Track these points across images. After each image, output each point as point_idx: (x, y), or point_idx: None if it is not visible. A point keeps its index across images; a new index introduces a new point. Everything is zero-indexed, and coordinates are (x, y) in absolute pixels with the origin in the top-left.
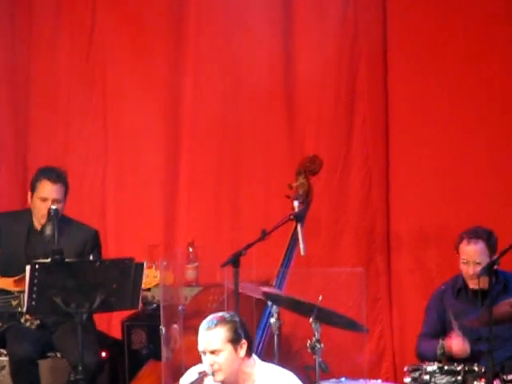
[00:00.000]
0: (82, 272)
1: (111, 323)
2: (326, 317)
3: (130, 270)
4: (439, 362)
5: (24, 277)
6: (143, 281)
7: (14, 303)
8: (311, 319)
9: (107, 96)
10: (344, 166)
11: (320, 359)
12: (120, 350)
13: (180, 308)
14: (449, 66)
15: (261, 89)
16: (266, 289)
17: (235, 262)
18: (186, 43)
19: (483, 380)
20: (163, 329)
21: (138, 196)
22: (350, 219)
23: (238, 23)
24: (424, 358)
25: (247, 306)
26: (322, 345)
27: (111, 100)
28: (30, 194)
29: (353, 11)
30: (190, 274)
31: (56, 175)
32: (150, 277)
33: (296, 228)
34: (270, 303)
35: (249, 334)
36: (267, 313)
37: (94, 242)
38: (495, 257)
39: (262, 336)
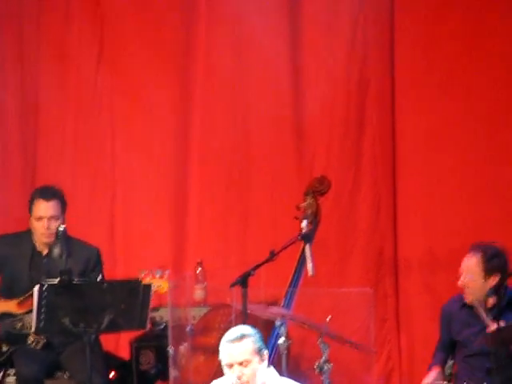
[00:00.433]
0: (90, 293)
1: (119, 344)
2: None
3: (138, 291)
4: (448, 381)
5: (27, 298)
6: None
7: (19, 325)
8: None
9: (115, 117)
10: (353, 187)
11: (328, 380)
12: (128, 371)
13: (188, 328)
14: (458, 87)
15: (270, 110)
16: (274, 310)
17: (243, 282)
18: (195, 64)
19: None
20: (171, 349)
21: (147, 217)
22: (359, 240)
23: (246, 44)
24: None
25: (255, 327)
26: (331, 365)
27: (119, 121)
28: (29, 216)
29: (362, 31)
30: (199, 294)
31: (49, 193)
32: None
33: (304, 248)
34: (278, 324)
35: (266, 345)
36: (275, 333)
37: (96, 260)
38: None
39: (270, 356)
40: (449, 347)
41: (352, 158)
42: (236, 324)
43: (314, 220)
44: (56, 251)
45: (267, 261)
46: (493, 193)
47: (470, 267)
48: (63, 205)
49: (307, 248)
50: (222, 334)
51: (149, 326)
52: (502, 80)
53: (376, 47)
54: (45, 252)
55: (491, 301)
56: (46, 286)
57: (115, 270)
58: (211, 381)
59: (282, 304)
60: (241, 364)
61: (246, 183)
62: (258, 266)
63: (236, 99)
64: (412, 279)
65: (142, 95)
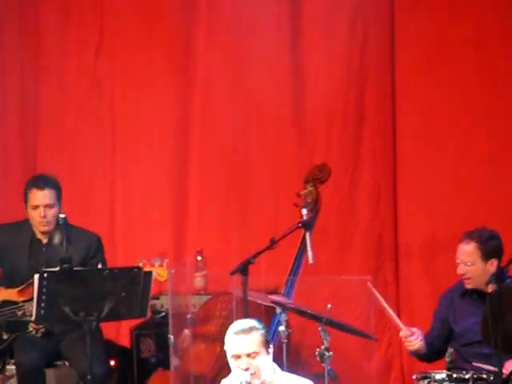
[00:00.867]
0: (91, 280)
1: (120, 332)
2: (335, 325)
3: (138, 279)
4: (448, 369)
5: (27, 286)
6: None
7: (20, 313)
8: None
9: (115, 109)
10: (353, 174)
11: (329, 367)
12: (128, 359)
13: (188, 316)
14: (457, 78)
15: (270, 99)
16: (274, 297)
17: (244, 270)
18: (195, 60)
19: None
20: (172, 337)
21: (147, 204)
22: (359, 228)
23: (246, 37)
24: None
25: (256, 314)
26: (331, 353)
27: (119, 113)
28: (25, 206)
29: (362, 24)
30: (199, 282)
31: (43, 181)
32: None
33: (304, 236)
34: (278, 311)
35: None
36: (276, 321)
37: (96, 246)
38: (502, 264)
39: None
40: (437, 339)
41: (352, 145)
42: (237, 312)
43: (314, 208)
44: (56, 239)
45: (267, 248)
46: (493, 178)
47: (469, 253)
48: (58, 192)
49: (307, 236)
50: (223, 322)
51: (149, 313)
52: (502, 75)
53: (376, 37)
54: (44, 240)
55: (491, 288)
56: (46, 274)
57: (115, 257)
58: (212, 368)
59: (282, 292)
60: (249, 356)
61: (246, 171)
62: (258, 254)
63: (235, 89)
64: (412, 266)
65: (142, 84)
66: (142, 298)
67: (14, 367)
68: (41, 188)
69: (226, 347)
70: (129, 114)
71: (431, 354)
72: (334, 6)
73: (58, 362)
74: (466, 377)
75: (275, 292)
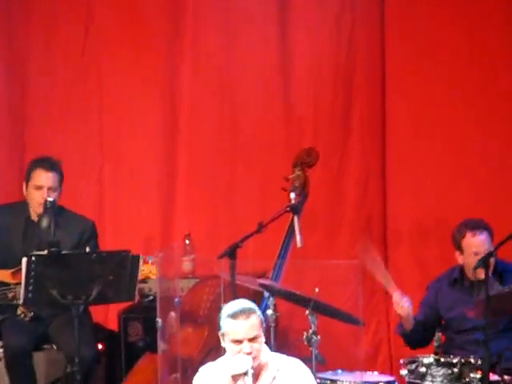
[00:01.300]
0: (79, 264)
1: (108, 315)
2: (323, 309)
3: (126, 262)
4: (435, 353)
5: (20, 269)
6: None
7: (10, 295)
8: (308, 311)
9: (103, 91)
10: (341, 159)
11: (316, 351)
12: (116, 343)
13: (176, 300)
14: (446, 65)
15: (258, 82)
16: (262, 280)
17: (232, 254)
18: (183, 40)
19: (479, 372)
20: (159, 321)
21: (135, 189)
22: (348, 212)
23: (235, 19)
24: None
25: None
26: (319, 337)
27: (107, 95)
28: (24, 184)
29: (350, 11)
30: (187, 265)
31: (50, 163)
32: (146, 271)
33: (293, 220)
34: (266, 295)
35: None
36: (264, 305)
37: (90, 232)
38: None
39: None
40: (423, 325)
41: (341, 130)
42: (225, 295)
43: (303, 192)
44: (44, 222)
45: (255, 232)
46: (483, 164)
47: (488, 241)
48: (61, 178)
49: (296, 220)
50: (211, 306)
51: (137, 297)
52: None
53: (365, 20)
54: None
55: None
56: (34, 257)
57: (104, 241)
58: (199, 352)
59: (270, 276)
60: (251, 340)
61: (234, 155)
62: (246, 238)
63: (224, 72)
64: (401, 251)
65: (130, 67)
66: (129, 281)
67: (1, 350)
68: (47, 169)
69: (222, 331)
70: (117, 96)
71: (416, 340)
72: None
73: (46, 346)
74: (454, 361)
75: (263, 276)
